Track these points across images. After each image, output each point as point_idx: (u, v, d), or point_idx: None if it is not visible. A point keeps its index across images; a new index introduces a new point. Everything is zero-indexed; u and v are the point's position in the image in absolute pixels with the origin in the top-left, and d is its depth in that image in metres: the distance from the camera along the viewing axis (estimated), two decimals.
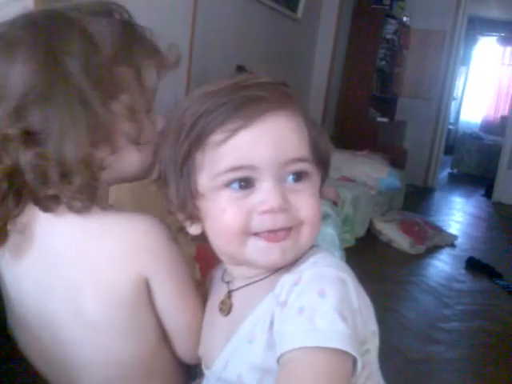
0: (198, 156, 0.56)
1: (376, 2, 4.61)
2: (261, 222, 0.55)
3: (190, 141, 0.56)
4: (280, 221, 0.55)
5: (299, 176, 0.57)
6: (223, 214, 0.56)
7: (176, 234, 0.64)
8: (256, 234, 0.56)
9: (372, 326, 0.56)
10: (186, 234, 0.62)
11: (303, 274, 0.53)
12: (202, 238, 0.62)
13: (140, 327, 0.66)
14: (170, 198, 0.60)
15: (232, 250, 0.58)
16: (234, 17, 3.18)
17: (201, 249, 0.61)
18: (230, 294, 0.63)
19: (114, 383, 0.67)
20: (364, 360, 0.51)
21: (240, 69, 2.87)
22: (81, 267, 0.63)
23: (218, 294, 0.66)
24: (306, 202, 0.57)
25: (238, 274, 0.62)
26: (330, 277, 0.53)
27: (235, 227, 0.55)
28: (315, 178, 0.59)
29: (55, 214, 0.62)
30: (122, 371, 0.67)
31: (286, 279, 0.54)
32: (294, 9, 3.82)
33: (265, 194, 0.55)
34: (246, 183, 0.55)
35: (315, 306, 0.49)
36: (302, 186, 0.57)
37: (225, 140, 0.54)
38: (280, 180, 0.56)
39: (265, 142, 0.54)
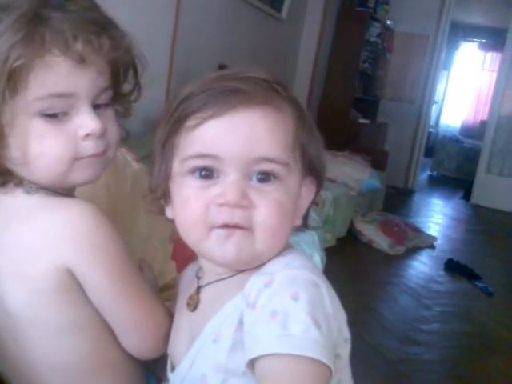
0: (176, 139, 0.57)
1: (360, 5, 4.65)
2: (217, 215, 0.54)
3: (172, 123, 0.57)
4: (237, 216, 0.53)
5: (267, 176, 0.55)
6: (186, 203, 0.56)
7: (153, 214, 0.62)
8: (216, 228, 0.55)
9: (345, 333, 0.55)
10: (166, 218, 0.61)
11: (275, 276, 0.51)
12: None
13: (77, 322, 0.63)
14: (153, 175, 0.60)
15: (193, 241, 0.58)
16: (217, 15, 3.16)
17: (178, 248, 0.60)
18: (198, 289, 0.62)
19: (59, 379, 0.65)
20: (335, 366, 0.49)
21: (222, 68, 2.86)
22: (1, 252, 0.61)
23: (188, 290, 0.64)
24: (265, 206, 0.54)
25: (208, 268, 0.61)
26: (303, 280, 0.51)
27: (194, 217, 0.55)
28: (290, 182, 0.56)
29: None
30: (62, 368, 0.64)
31: (256, 280, 0.53)
32: (278, 9, 3.82)
33: (224, 187, 0.54)
34: (209, 173, 0.55)
35: (288, 311, 0.48)
36: (269, 187, 0.55)
37: (195, 126, 0.55)
38: (245, 176, 0.54)
39: (232, 134, 0.54)
